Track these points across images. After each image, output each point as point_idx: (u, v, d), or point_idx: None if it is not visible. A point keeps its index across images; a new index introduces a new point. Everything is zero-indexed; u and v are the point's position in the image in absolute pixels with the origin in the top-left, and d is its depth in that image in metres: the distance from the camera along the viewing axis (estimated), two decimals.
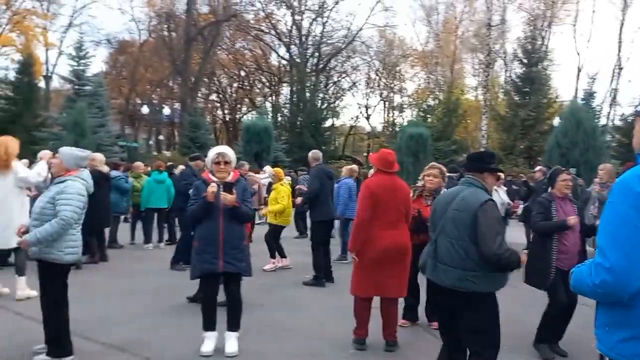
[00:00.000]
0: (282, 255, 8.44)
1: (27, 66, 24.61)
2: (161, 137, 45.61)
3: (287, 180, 9.21)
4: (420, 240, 4.73)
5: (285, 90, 41.74)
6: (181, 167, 11.87)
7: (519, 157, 25.93)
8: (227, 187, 4.28)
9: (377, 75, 42.58)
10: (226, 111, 47.31)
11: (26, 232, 4.04)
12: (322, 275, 7.35)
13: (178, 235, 9.56)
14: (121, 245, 10.13)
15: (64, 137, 19.75)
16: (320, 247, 7.45)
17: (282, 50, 39.88)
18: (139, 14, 57.75)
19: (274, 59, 42.75)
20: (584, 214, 6.83)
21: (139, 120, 42.56)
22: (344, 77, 42.25)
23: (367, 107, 43.61)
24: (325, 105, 34.19)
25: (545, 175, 7.44)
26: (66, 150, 4.24)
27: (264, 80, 45.16)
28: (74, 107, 21.12)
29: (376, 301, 4.75)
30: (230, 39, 41.63)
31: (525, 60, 29.06)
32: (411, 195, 5.15)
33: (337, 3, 37.75)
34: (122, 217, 10.64)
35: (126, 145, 27.16)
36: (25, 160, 8.83)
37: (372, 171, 6.53)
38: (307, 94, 32.03)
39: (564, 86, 67.40)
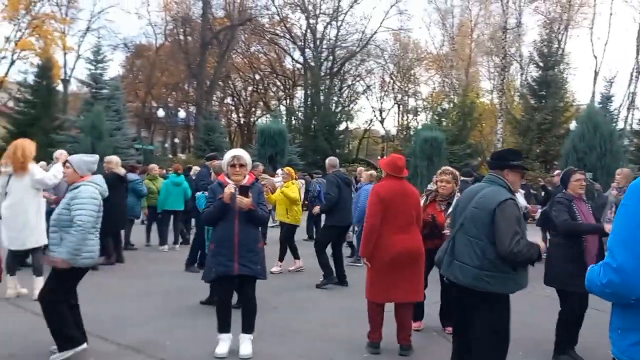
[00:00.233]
0: (296, 257, 8.44)
1: (45, 70, 24.87)
2: (176, 140, 46.02)
3: (300, 182, 9.22)
4: (433, 244, 4.68)
5: (299, 93, 41.89)
6: (196, 168, 11.98)
7: (535, 161, 25.64)
8: (243, 190, 4.29)
9: (391, 78, 42.40)
10: (241, 114, 47.49)
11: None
12: (331, 271, 7.37)
13: (191, 238, 9.61)
14: (135, 247, 10.24)
15: (82, 140, 20.02)
16: (323, 248, 7.47)
17: (297, 54, 39.94)
18: (155, 18, 58.24)
19: (288, 63, 42.92)
20: (602, 216, 6.75)
21: (154, 123, 43.03)
22: (358, 81, 42.14)
23: (381, 111, 43.49)
24: (340, 108, 34.11)
25: None
26: (75, 158, 4.33)
27: (278, 83, 45.26)
28: (92, 110, 21.36)
29: (390, 305, 4.74)
30: (245, 43, 41.87)
31: (541, 64, 28.73)
32: (422, 200, 5.10)
33: (351, 7, 37.74)
34: (137, 220, 10.73)
35: (142, 148, 27.45)
36: (43, 163, 8.97)
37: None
38: (322, 98, 32.01)
39: (580, 90, 66.68)
